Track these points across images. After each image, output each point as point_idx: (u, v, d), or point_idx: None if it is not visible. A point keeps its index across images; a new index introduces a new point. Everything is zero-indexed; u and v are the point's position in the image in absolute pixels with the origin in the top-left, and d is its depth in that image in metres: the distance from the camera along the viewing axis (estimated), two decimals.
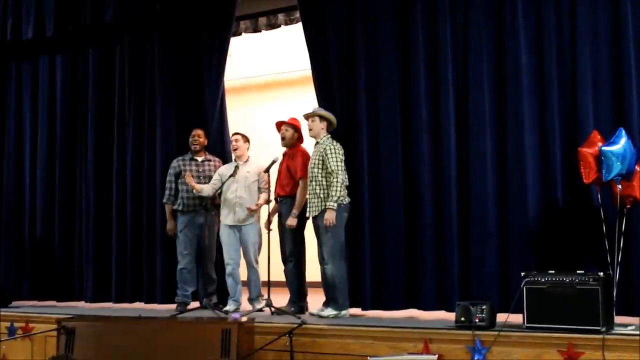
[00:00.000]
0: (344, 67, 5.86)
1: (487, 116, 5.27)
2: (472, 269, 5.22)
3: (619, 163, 4.44)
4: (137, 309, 6.29)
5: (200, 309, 5.89)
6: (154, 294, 6.53)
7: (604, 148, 4.51)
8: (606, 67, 4.99)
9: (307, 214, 5.49)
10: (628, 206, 4.59)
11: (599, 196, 4.66)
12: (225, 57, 6.63)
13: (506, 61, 5.26)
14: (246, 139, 6.18)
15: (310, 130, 5.56)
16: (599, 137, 4.63)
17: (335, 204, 5.20)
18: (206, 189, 6.01)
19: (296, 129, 5.83)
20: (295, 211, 5.57)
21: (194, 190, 5.98)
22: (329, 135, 5.51)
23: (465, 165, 5.33)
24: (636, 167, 4.54)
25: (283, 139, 5.84)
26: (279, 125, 5.89)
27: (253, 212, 5.90)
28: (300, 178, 5.61)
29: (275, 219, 5.93)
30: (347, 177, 5.41)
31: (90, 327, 4.87)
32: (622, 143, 4.49)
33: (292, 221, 5.55)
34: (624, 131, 4.56)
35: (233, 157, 6.19)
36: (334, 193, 5.21)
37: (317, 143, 5.52)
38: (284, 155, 5.89)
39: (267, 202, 5.89)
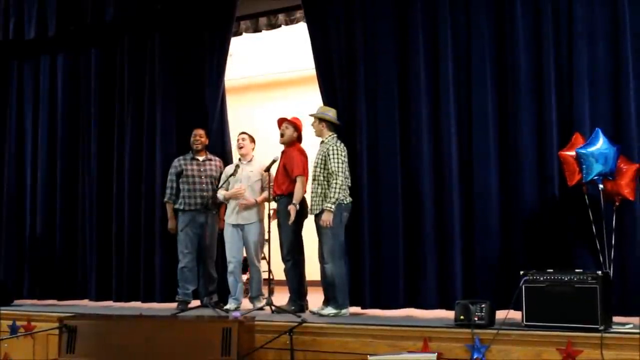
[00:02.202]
0: (344, 66, 5.88)
1: (489, 115, 5.29)
2: (473, 268, 5.23)
3: (598, 163, 4.47)
4: (138, 307, 6.31)
5: (201, 307, 5.90)
6: (154, 293, 6.55)
7: (581, 150, 4.56)
8: (603, 66, 5.00)
9: (309, 212, 5.51)
10: (617, 204, 4.62)
11: (586, 197, 4.68)
12: (226, 56, 6.65)
13: (506, 60, 5.27)
14: (252, 139, 6.23)
15: (314, 130, 5.60)
16: (580, 139, 4.68)
17: (333, 206, 5.21)
18: (220, 194, 6.05)
19: (296, 128, 5.84)
20: (295, 202, 5.55)
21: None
22: (335, 135, 5.52)
23: (467, 164, 5.33)
24: (620, 164, 4.56)
25: (282, 136, 5.86)
26: (281, 122, 5.90)
27: (248, 206, 5.91)
28: (297, 175, 5.62)
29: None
30: (349, 178, 5.43)
31: (92, 326, 4.89)
32: (599, 144, 4.53)
33: (292, 208, 5.51)
34: (601, 132, 4.60)
35: (237, 156, 6.22)
36: (332, 195, 5.22)
37: (322, 142, 5.54)
38: (282, 153, 5.90)
39: (268, 200, 5.90)
